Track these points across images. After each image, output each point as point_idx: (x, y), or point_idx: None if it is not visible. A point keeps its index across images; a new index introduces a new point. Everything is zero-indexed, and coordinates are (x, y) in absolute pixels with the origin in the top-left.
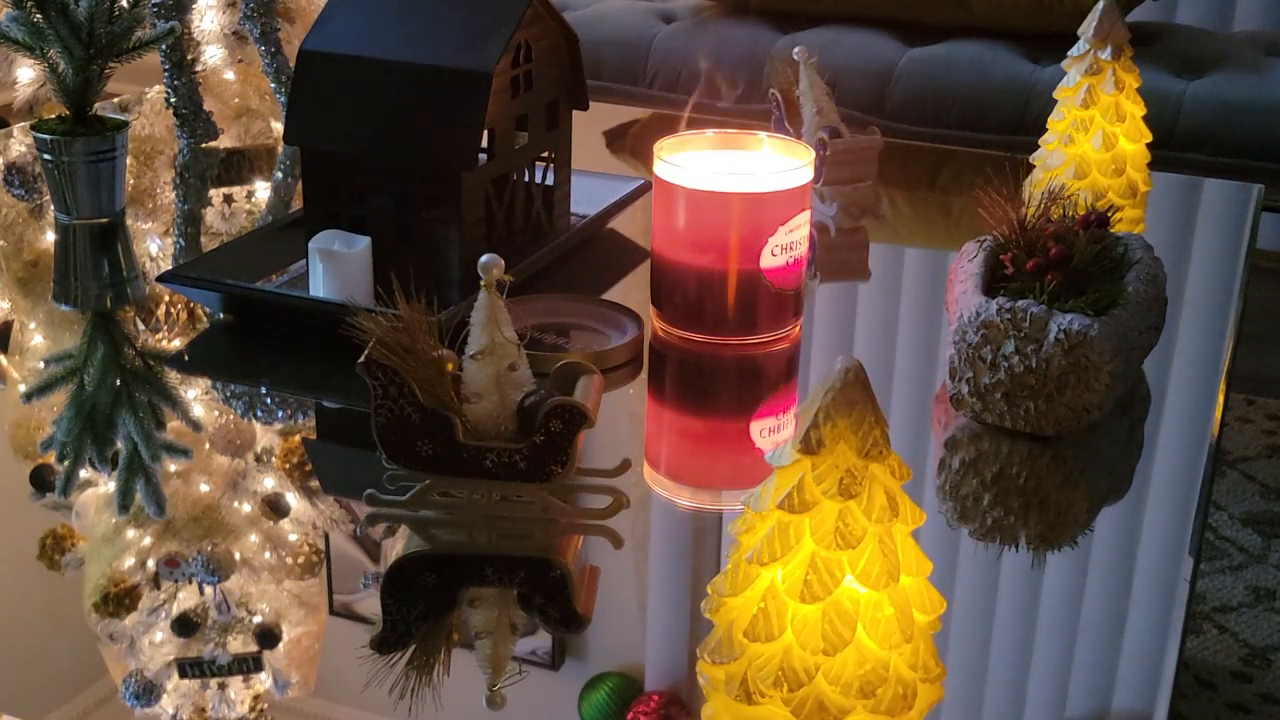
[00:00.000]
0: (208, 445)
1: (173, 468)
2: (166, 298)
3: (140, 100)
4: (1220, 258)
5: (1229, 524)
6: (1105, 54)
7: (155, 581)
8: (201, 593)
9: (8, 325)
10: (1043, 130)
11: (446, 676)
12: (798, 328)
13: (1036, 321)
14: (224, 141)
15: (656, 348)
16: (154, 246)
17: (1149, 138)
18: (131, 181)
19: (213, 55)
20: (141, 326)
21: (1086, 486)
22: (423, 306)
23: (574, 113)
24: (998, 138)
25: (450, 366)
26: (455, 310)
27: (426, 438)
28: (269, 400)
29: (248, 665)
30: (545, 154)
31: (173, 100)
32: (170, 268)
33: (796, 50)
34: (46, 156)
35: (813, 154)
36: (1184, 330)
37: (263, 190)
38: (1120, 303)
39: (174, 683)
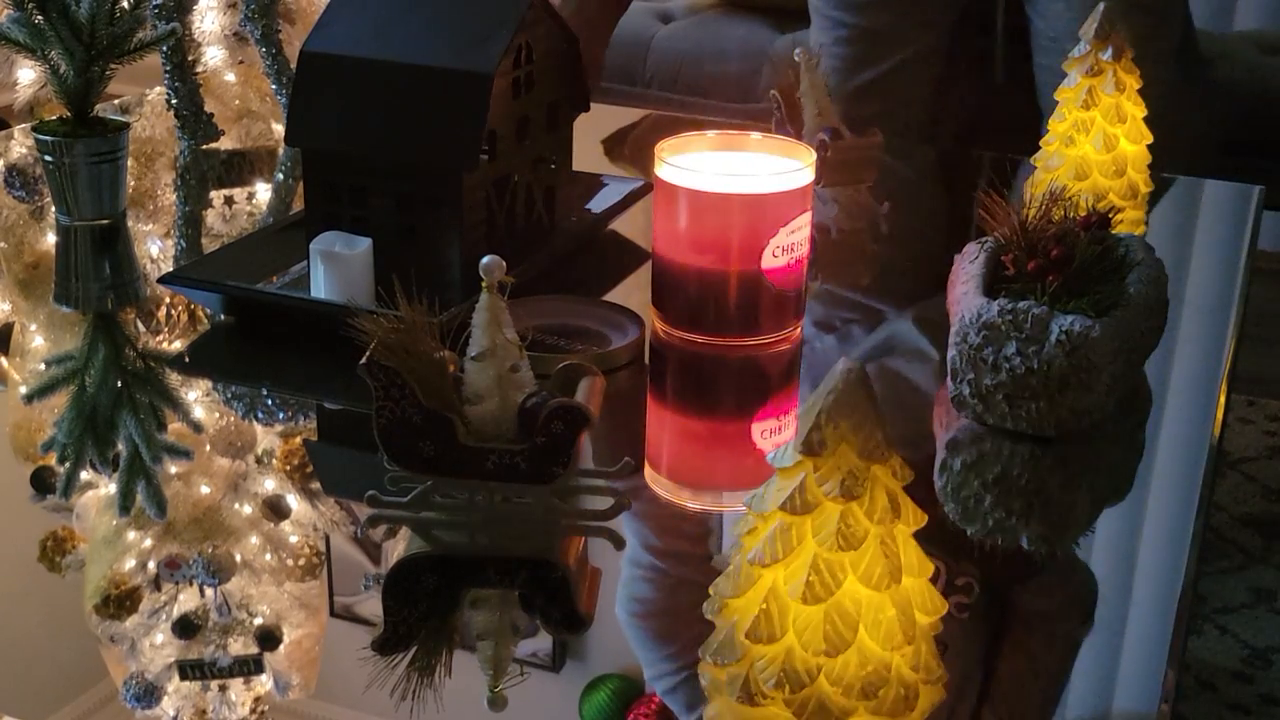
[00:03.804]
0: (209, 447)
1: (173, 469)
2: (167, 299)
3: (141, 102)
4: (1221, 259)
5: (1230, 525)
6: (1106, 55)
7: (156, 583)
8: (202, 594)
9: (9, 326)
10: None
11: (448, 678)
12: (799, 328)
13: (1038, 323)
14: (225, 143)
15: (657, 349)
16: (155, 248)
17: (1150, 139)
18: (132, 183)
19: (213, 57)
20: (142, 328)
21: (1088, 487)
22: (424, 308)
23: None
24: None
25: (451, 368)
26: (456, 311)
27: (428, 439)
28: (270, 402)
29: (248, 667)
30: (546, 155)
31: (174, 102)
32: (171, 269)
33: (797, 51)
34: (47, 158)
35: (813, 155)
36: (1185, 331)
37: (263, 191)
38: (1121, 304)
39: (174, 684)
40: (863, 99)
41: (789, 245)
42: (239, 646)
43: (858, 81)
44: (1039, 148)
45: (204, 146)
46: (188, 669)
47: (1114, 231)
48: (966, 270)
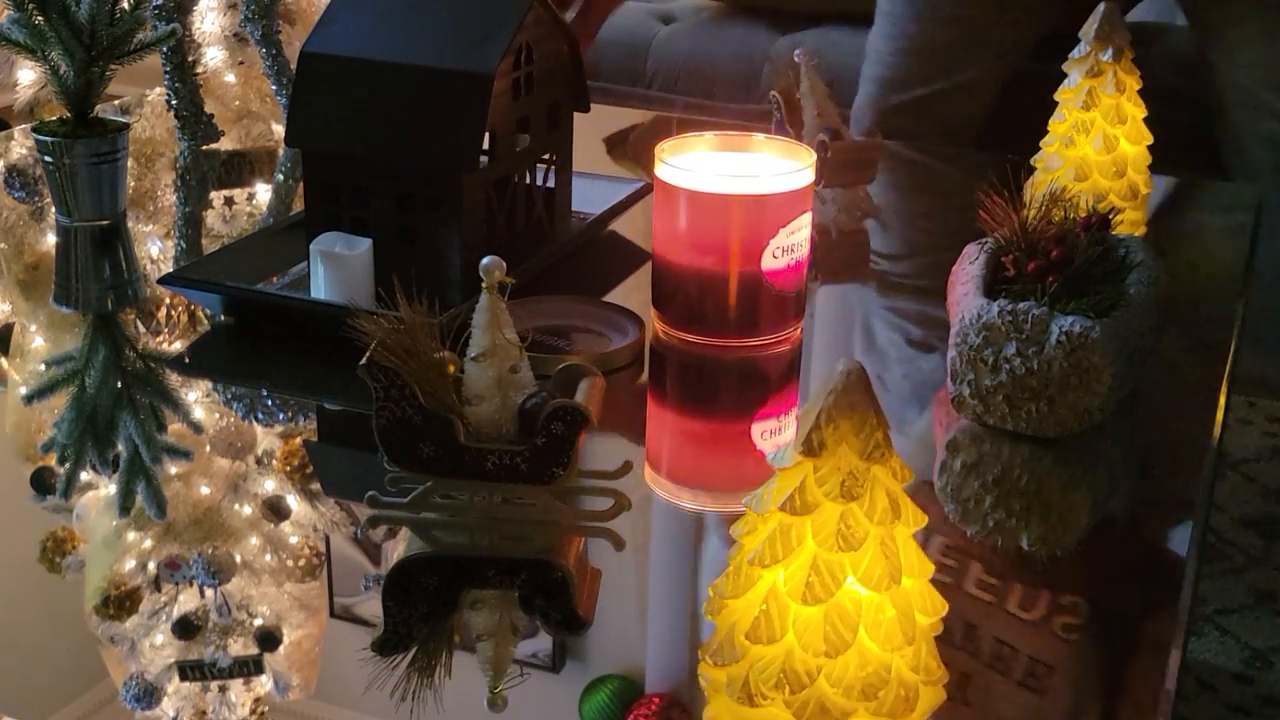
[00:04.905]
0: (208, 447)
1: (173, 470)
2: (167, 299)
3: (141, 102)
4: (1221, 260)
5: (1230, 526)
6: (1106, 56)
7: (156, 584)
8: (202, 595)
9: (9, 327)
10: (1043, 132)
11: (447, 679)
12: (799, 329)
13: (1038, 323)
14: (225, 144)
15: (658, 349)
16: (155, 248)
17: (1150, 139)
18: (132, 183)
19: (214, 57)
20: (142, 328)
21: (1088, 488)
22: (424, 308)
23: (574, 114)
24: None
25: (451, 368)
26: (456, 312)
27: (428, 440)
28: (270, 402)
29: (248, 668)
30: (546, 156)
31: (174, 102)
32: (171, 269)
33: (797, 52)
34: (47, 158)
35: (814, 156)
36: (1185, 332)
37: (263, 192)
38: (1121, 305)
39: (174, 685)
40: (905, 114)
41: (789, 246)
42: (239, 647)
43: (907, 96)
44: (1039, 148)
45: (204, 147)
46: (188, 670)
47: (1114, 232)
48: (967, 271)
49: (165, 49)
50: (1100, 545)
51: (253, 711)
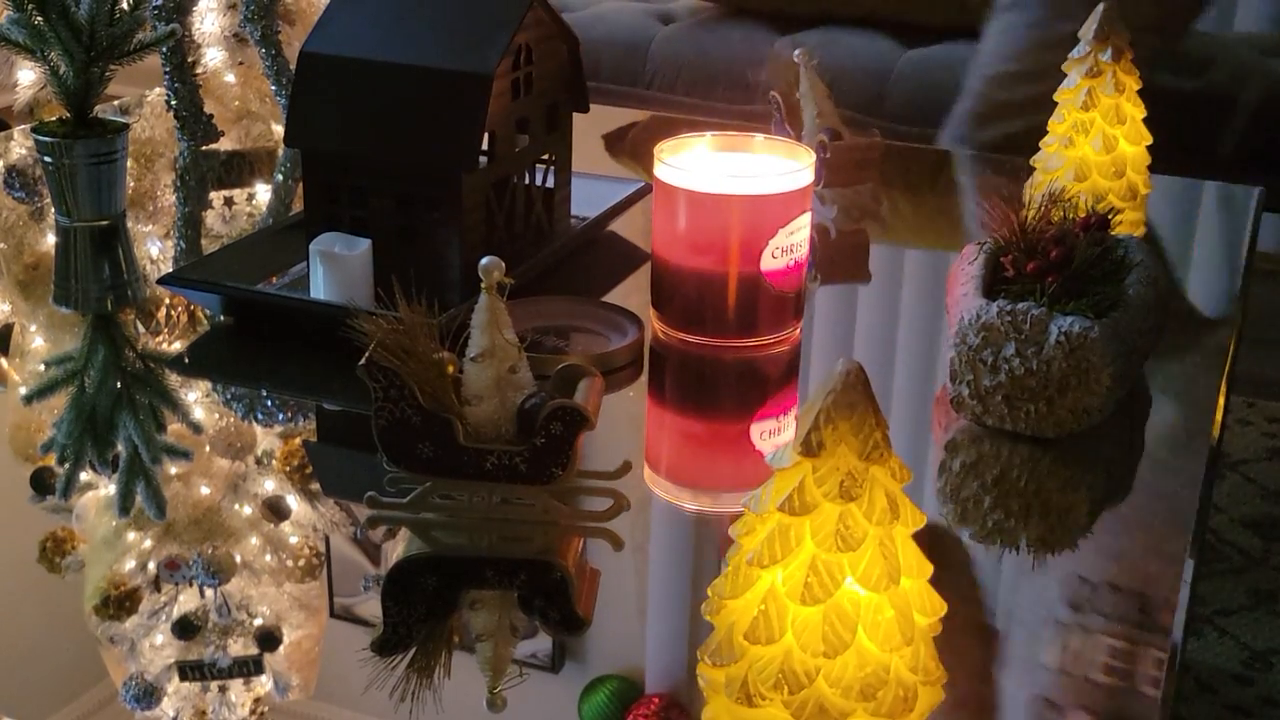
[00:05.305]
0: (208, 448)
1: (173, 470)
2: (167, 300)
3: (141, 103)
4: (1220, 260)
5: (1229, 526)
6: (1105, 56)
7: (156, 584)
8: (202, 595)
9: (8, 327)
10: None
11: (447, 679)
12: (798, 330)
13: (1037, 324)
14: (224, 144)
15: (657, 350)
16: (154, 249)
17: (1149, 140)
18: (132, 184)
19: (213, 58)
20: (142, 329)
21: (1087, 489)
22: (423, 309)
23: (574, 114)
24: None
25: (451, 369)
26: (456, 312)
27: (427, 440)
28: (269, 402)
29: (248, 668)
30: (546, 156)
31: (173, 103)
32: (171, 270)
33: (797, 52)
34: (47, 159)
35: (813, 156)
36: (1184, 333)
37: (263, 192)
38: (1121, 305)
39: (174, 685)
40: (1009, 138)
41: (788, 246)
42: (239, 647)
43: (1019, 126)
44: (1039, 148)
45: (204, 147)
46: (187, 670)
47: (1113, 233)
48: (966, 271)
49: (165, 49)
50: (1100, 545)
51: (253, 711)
